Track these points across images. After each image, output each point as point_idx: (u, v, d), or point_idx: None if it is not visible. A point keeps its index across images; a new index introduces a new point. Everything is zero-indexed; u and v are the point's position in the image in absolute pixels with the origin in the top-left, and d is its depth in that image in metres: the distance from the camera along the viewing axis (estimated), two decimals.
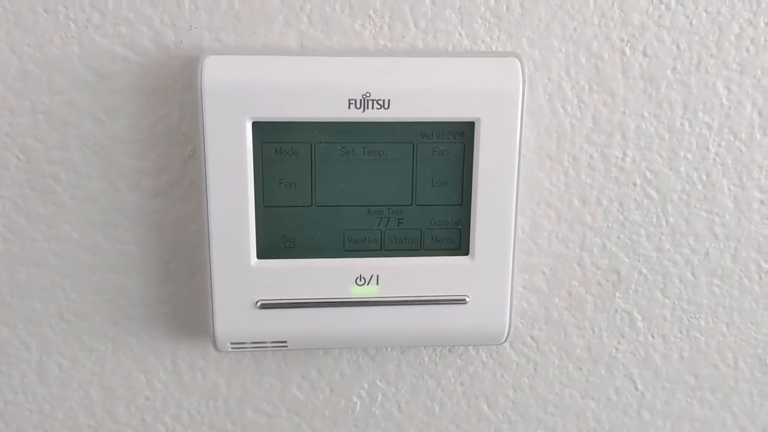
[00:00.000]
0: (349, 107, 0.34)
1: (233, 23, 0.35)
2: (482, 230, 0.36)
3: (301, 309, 0.36)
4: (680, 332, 0.41)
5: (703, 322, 0.41)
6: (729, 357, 0.42)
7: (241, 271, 0.35)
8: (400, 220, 0.36)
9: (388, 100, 0.34)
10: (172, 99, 0.36)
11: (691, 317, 0.41)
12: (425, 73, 0.34)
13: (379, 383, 0.41)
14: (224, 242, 0.35)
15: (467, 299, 0.37)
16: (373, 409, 0.41)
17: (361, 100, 0.34)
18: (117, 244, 0.37)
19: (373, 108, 0.34)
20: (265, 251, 0.35)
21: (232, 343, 0.37)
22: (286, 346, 0.37)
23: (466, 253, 0.36)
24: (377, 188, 0.35)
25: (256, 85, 0.33)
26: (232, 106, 0.33)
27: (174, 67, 0.35)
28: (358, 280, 0.36)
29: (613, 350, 0.42)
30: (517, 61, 0.35)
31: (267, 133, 0.34)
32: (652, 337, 0.41)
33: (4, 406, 0.40)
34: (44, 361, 0.39)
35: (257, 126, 0.34)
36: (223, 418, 0.41)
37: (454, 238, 0.36)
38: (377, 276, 0.36)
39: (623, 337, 0.41)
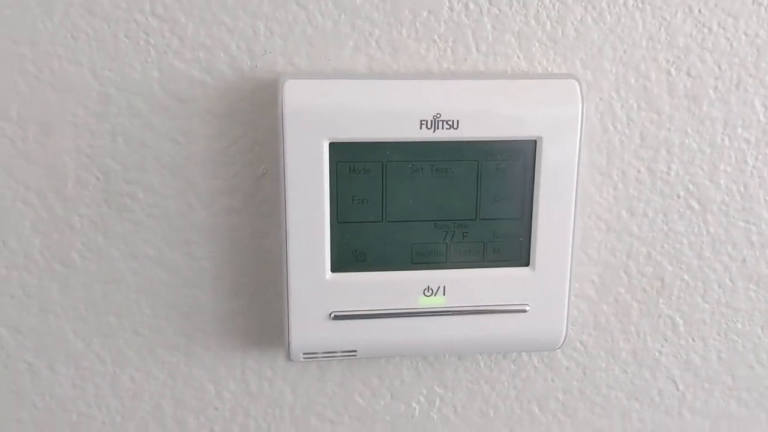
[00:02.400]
0: (421, 128, 0.36)
1: (306, 48, 0.37)
2: (542, 243, 0.38)
3: (371, 320, 0.38)
4: (718, 335, 0.44)
5: (740, 325, 0.44)
6: (764, 358, 0.45)
7: (316, 284, 0.37)
8: (465, 234, 0.38)
9: (458, 121, 0.36)
10: (246, 121, 0.37)
11: (729, 321, 0.44)
12: (491, 95, 0.36)
13: (437, 389, 0.43)
14: (301, 256, 0.37)
15: (528, 308, 0.39)
16: (432, 413, 0.43)
17: (432, 120, 0.36)
18: (191, 260, 0.39)
19: (443, 128, 0.36)
20: (339, 265, 0.37)
21: (304, 354, 0.38)
22: (355, 355, 0.39)
23: (526, 264, 0.39)
24: (444, 204, 0.37)
25: (333, 107, 0.35)
26: (310, 127, 0.35)
27: (249, 90, 0.37)
28: (426, 291, 0.38)
29: (657, 353, 0.44)
30: (576, 83, 0.37)
31: (342, 153, 0.36)
32: (693, 340, 0.44)
33: (78, 419, 0.41)
34: (118, 374, 0.40)
35: (333, 146, 0.36)
36: (288, 425, 0.42)
37: (516, 251, 0.38)
38: (444, 287, 0.38)
39: (666, 341, 0.44)
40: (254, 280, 0.40)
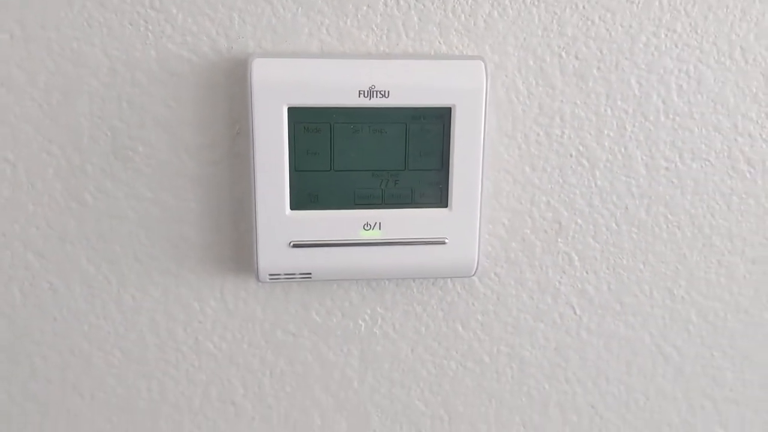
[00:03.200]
0: (359, 96, 0.46)
1: (271, 34, 0.47)
2: (457, 188, 0.48)
3: (322, 248, 0.48)
4: (607, 269, 0.54)
5: (625, 261, 0.54)
6: (645, 288, 0.55)
7: (278, 218, 0.47)
8: (397, 181, 0.48)
9: (389, 91, 0.46)
10: (224, 91, 0.48)
11: (615, 258, 0.54)
12: (415, 71, 0.46)
13: (378, 309, 0.53)
14: (266, 197, 0.47)
15: (446, 241, 0.49)
16: (374, 330, 0.53)
17: (368, 91, 0.46)
18: (181, 201, 0.49)
19: (376, 97, 0.46)
20: (296, 204, 0.48)
21: (270, 275, 0.49)
22: (310, 278, 0.49)
23: (445, 206, 0.49)
24: (379, 157, 0.48)
25: (291, 80, 0.45)
26: (273, 95, 0.45)
27: (226, 67, 0.47)
28: (365, 226, 0.48)
29: (557, 283, 0.54)
30: (482, 62, 0.47)
31: (298, 116, 0.46)
32: (586, 273, 0.54)
33: (89, 329, 0.51)
34: (121, 293, 0.51)
35: (291, 111, 0.46)
36: (258, 337, 0.53)
37: (437, 195, 0.49)
38: (379, 223, 0.48)
39: (564, 273, 0.54)
40: (230, 217, 0.50)
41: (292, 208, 0.48)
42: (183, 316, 0.52)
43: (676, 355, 0.57)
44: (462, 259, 0.50)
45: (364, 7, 0.47)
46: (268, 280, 0.49)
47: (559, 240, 0.53)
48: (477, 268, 0.51)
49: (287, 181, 0.47)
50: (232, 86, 0.48)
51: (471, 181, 0.48)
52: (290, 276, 0.49)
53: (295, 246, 0.48)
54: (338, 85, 0.46)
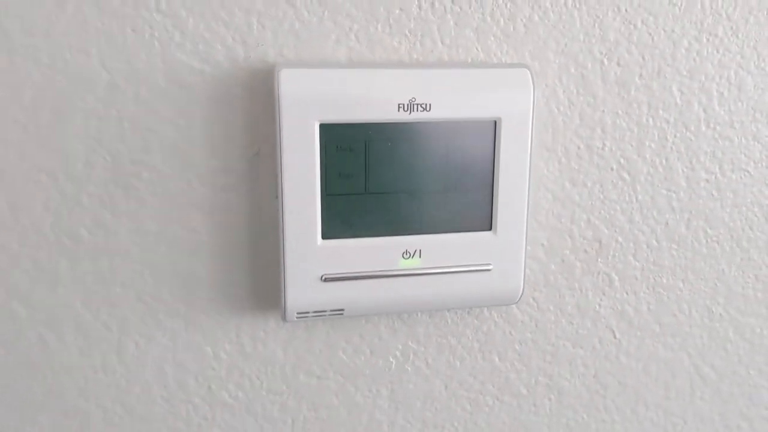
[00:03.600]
0: (399, 110, 0.41)
1: (294, 40, 0.42)
2: (502, 210, 0.44)
3: (357, 281, 0.43)
4: (647, 288, 0.51)
5: (664, 280, 0.51)
6: (684, 307, 0.52)
7: (309, 249, 0.42)
8: (437, 204, 0.43)
9: (430, 104, 0.41)
10: (240, 106, 0.42)
11: (656, 276, 0.51)
12: (458, 81, 0.42)
13: (410, 344, 0.48)
14: (296, 226, 0.41)
15: (491, 267, 0.45)
16: (406, 366, 0.48)
17: (408, 104, 0.41)
18: (191, 234, 0.43)
19: (417, 111, 0.41)
20: (328, 232, 0.42)
21: (298, 313, 0.43)
22: (342, 314, 0.44)
23: (489, 228, 0.44)
24: (419, 177, 0.43)
25: (323, 93, 0.40)
26: (303, 111, 0.40)
27: (243, 78, 0.42)
28: (404, 254, 0.43)
29: (597, 306, 0.51)
30: (528, 71, 0.43)
31: (331, 134, 0.41)
32: (626, 294, 0.51)
33: (86, 384, 0.44)
34: (123, 340, 0.44)
35: (323, 128, 0.41)
36: (279, 382, 0.47)
37: (481, 217, 0.44)
38: (420, 250, 0.43)
39: (604, 295, 0.50)
40: (247, 251, 0.44)
41: (323, 237, 0.42)
42: (194, 363, 0.45)
43: (714, 375, 0.54)
44: (507, 287, 0.46)
45: (397, 11, 0.42)
46: (295, 319, 0.43)
47: (599, 260, 0.50)
48: (522, 296, 0.46)
49: (319, 206, 0.42)
50: (250, 100, 0.42)
51: (517, 200, 0.44)
52: (320, 313, 0.44)
53: (327, 280, 0.43)
54: (376, 99, 0.41)
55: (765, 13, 0.48)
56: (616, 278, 0.50)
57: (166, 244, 0.43)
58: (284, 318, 0.43)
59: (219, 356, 0.46)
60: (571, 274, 0.49)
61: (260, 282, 0.45)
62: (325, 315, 0.44)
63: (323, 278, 0.43)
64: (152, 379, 0.45)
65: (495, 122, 0.43)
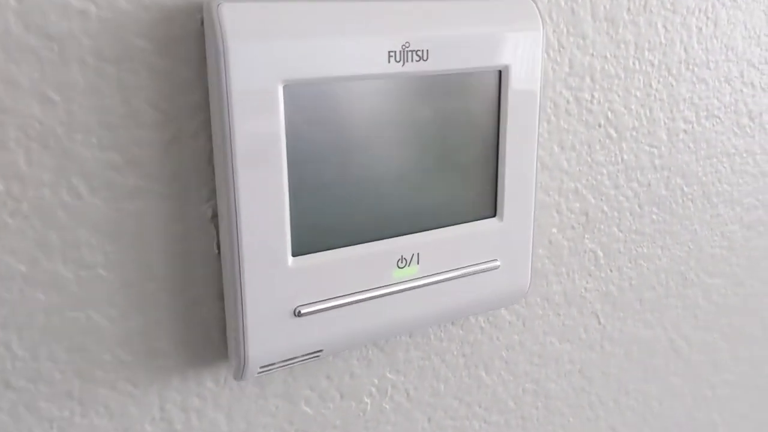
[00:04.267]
0: (389, 60, 0.29)
1: None
2: (510, 189, 0.34)
3: (340, 309, 0.30)
4: (630, 262, 0.44)
5: (645, 249, 0.44)
6: (662, 278, 0.46)
7: (277, 274, 0.28)
8: (437, 188, 0.32)
9: (427, 51, 0.29)
10: (148, 65, 0.27)
11: (637, 246, 0.44)
12: (458, 18, 0.30)
13: (388, 375, 0.36)
14: (257, 242, 0.28)
15: (498, 263, 0.34)
16: (384, 404, 0.37)
17: (401, 51, 0.29)
18: (81, 270, 0.27)
19: (412, 60, 0.29)
20: (300, 246, 0.29)
21: (261, 367, 0.29)
22: (319, 356, 0.31)
23: (494, 214, 0.34)
24: (414, 154, 0.31)
25: (286, 39, 0.26)
26: (262, 67, 0.26)
27: (150, 21, 0.26)
28: (399, 262, 0.31)
29: (583, 290, 0.42)
30: (533, 3, 0.33)
31: (298, 99, 0.27)
32: (611, 270, 0.43)
33: None
34: None
35: (288, 90, 0.27)
36: None
37: (486, 200, 0.33)
38: (417, 254, 0.32)
39: (590, 275, 0.42)
40: (168, 284, 0.29)
41: (294, 254, 0.29)
42: None
43: (686, 347, 0.49)
44: (515, 283, 0.35)
45: None
46: (255, 376, 0.30)
47: (586, 236, 0.41)
48: (528, 290, 0.37)
49: (288, 210, 0.28)
50: (161, 56, 0.27)
51: (525, 175, 0.34)
52: (289, 361, 0.30)
53: (303, 313, 0.29)
54: (361, 45, 0.28)
55: None
56: (601, 255, 0.42)
57: (42, 289, 0.27)
58: (240, 376, 0.29)
59: None
60: (558, 257, 0.41)
61: (191, 327, 0.30)
62: (295, 362, 0.30)
63: (297, 312, 0.29)
64: None
65: (500, 72, 0.32)
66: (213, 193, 0.29)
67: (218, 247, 0.30)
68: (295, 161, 0.28)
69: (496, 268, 0.34)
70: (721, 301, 0.50)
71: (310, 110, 0.28)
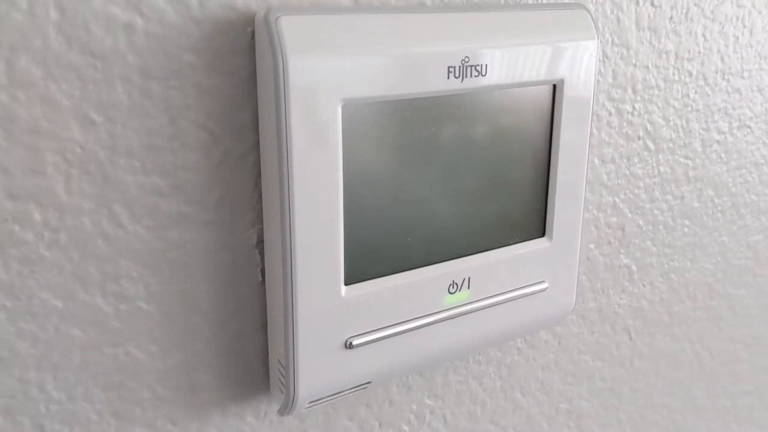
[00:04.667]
0: (449, 77, 0.27)
1: None
2: (559, 208, 0.32)
3: (391, 339, 0.29)
4: (661, 276, 0.43)
5: (675, 263, 0.43)
6: (691, 290, 0.45)
7: (329, 304, 0.26)
8: (486, 209, 0.30)
9: (486, 65, 0.28)
10: (195, 83, 0.25)
11: (669, 260, 0.43)
12: (515, 29, 0.29)
13: (427, 401, 0.35)
14: (311, 271, 0.26)
15: (546, 284, 0.33)
16: (422, 430, 0.35)
17: (460, 66, 0.27)
18: (121, 303, 0.25)
19: (471, 75, 0.27)
20: (353, 274, 0.27)
21: (311, 402, 0.28)
22: (367, 387, 0.29)
23: (543, 234, 0.32)
24: (465, 175, 0.29)
25: (345, 56, 0.24)
26: (321, 85, 0.24)
27: (198, 36, 0.24)
28: (450, 287, 0.30)
29: (616, 306, 0.41)
30: (587, 13, 0.31)
31: (357, 118, 0.25)
32: (643, 285, 0.42)
33: None
34: None
35: (347, 110, 0.25)
36: None
37: (535, 221, 0.32)
38: (468, 279, 0.30)
39: (623, 291, 0.41)
40: (210, 315, 0.27)
41: (347, 283, 0.27)
42: None
43: (709, 358, 0.48)
44: (561, 304, 0.34)
45: None
46: (303, 410, 0.28)
47: (621, 251, 0.40)
48: (573, 310, 0.35)
49: (342, 238, 0.26)
50: (208, 73, 0.25)
51: (575, 192, 0.33)
52: (338, 394, 0.28)
53: (355, 345, 0.28)
54: (421, 61, 0.26)
55: None
56: (635, 269, 0.41)
57: (79, 326, 0.25)
58: (288, 411, 0.28)
59: None
60: (594, 273, 0.39)
61: (233, 362, 0.28)
62: (343, 395, 0.29)
63: (348, 344, 0.27)
64: None
65: (554, 86, 0.30)
66: (259, 218, 0.27)
67: (263, 275, 0.28)
68: (351, 184, 0.26)
69: (544, 290, 0.33)
70: (744, 312, 0.49)
71: (367, 131, 0.26)
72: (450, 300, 0.30)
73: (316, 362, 0.27)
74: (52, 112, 0.23)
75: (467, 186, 0.29)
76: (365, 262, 0.27)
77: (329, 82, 0.24)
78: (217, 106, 0.25)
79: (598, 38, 0.31)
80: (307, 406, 0.28)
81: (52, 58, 0.22)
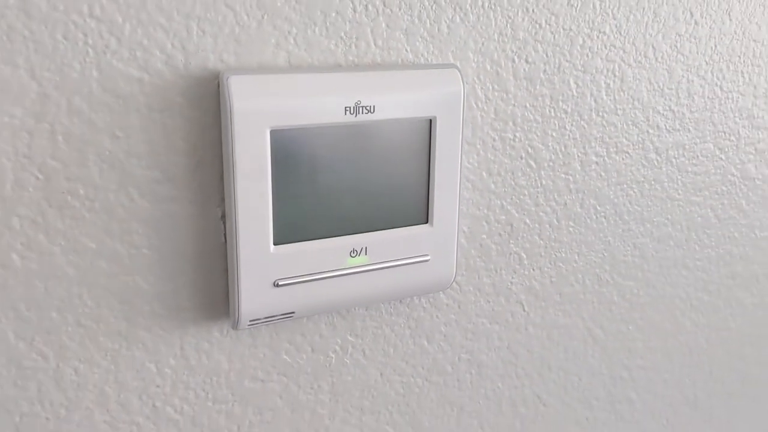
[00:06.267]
0: (345, 113, 0.42)
1: (234, 46, 0.40)
2: (438, 204, 0.46)
3: (308, 284, 0.43)
4: (550, 264, 0.56)
5: (563, 254, 0.56)
6: (579, 277, 0.58)
7: (262, 256, 0.42)
8: (381, 201, 0.45)
9: (374, 106, 0.42)
10: (181, 114, 0.40)
11: (556, 252, 0.56)
12: (398, 83, 0.43)
13: (349, 337, 0.49)
14: (249, 234, 0.41)
15: (428, 258, 0.47)
16: (345, 359, 0.50)
17: (354, 107, 0.42)
18: (131, 248, 0.41)
19: (362, 113, 0.42)
20: (280, 238, 0.42)
21: (250, 321, 0.43)
22: (292, 317, 0.44)
23: (426, 221, 0.47)
24: (364, 177, 0.44)
25: (273, 99, 0.40)
26: (255, 118, 0.39)
27: (183, 86, 0.40)
28: (352, 252, 0.44)
29: (509, 284, 0.55)
30: (457, 71, 0.45)
31: (282, 139, 0.41)
32: (533, 269, 0.55)
33: (21, 419, 0.41)
34: (61, 368, 0.41)
35: (274, 133, 0.40)
36: (224, 391, 0.46)
37: (420, 212, 0.46)
38: (366, 248, 0.45)
39: (515, 272, 0.55)
40: (191, 262, 0.43)
41: (275, 243, 0.42)
42: (137, 382, 0.43)
43: (602, 335, 0.61)
44: (442, 274, 0.48)
45: (333, 14, 0.43)
46: (246, 327, 0.43)
47: (511, 242, 0.54)
48: (454, 279, 0.49)
49: (271, 213, 0.41)
50: (191, 108, 0.40)
51: (450, 193, 0.47)
52: (271, 318, 0.43)
53: (280, 285, 0.43)
54: (324, 103, 0.41)
55: (642, 11, 0.53)
56: (525, 257, 0.55)
57: (106, 261, 0.40)
58: (236, 326, 0.43)
59: (163, 372, 0.44)
60: (488, 256, 0.53)
61: (205, 292, 0.44)
62: (275, 319, 0.44)
63: (276, 284, 0.42)
64: (93, 405, 0.42)
65: (430, 120, 0.45)
66: (222, 201, 0.42)
67: (225, 237, 0.43)
68: (277, 180, 0.41)
69: (426, 261, 0.47)
70: (634, 300, 0.61)
71: (289, 147, 0.41)
72: (352, 261, 0.44)
73: (253, 294, 0.42)
74: (93, 130, 0.38)
75: (367, 184, 0.44)
76: (288, 230, 0.42)
77: (260, 116, 0.39)
78: (197, 129, 0.41)
79: (463, 87, 0.45)
80: (249, 323, 0.43)
81: (94, 99, 0.38)
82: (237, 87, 0.39)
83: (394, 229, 0.46)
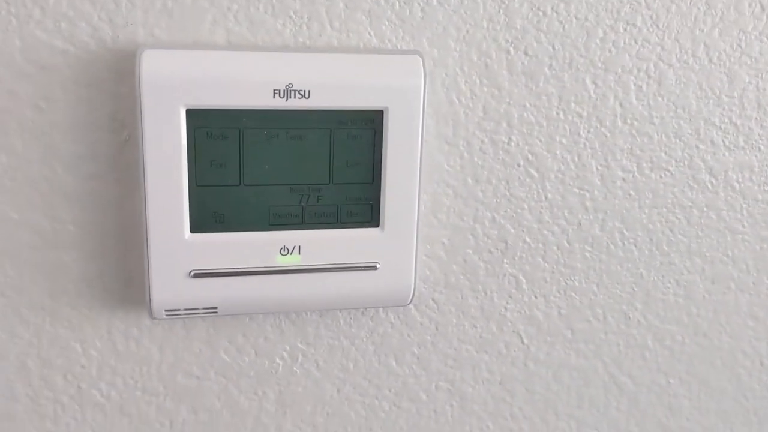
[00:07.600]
0: (274, 96, 0.38)
1: (166, 20, 0.39)
2: (390, 205, 0.41)
3: (230, 278, 0.40)
4: (558, 292, 0.48)
5: (576, 283, 0.48)
6: (599, 312, 0.49)
7: (175, 244, 0.39)
8: (319, 197, 0.41)
9: (309, 91, 0.38)
10: (107, 90, 0.39)
11: (567, 279, 0.48)
12: (341, 68, 0.39)
13: (299, 345, 0.46)
14: (160, 218, 0.39)
15: (378, 265, 0.42)
16: (294, 368, 0.46)
17: (284, 90, 0.38)
18: (56, 223, 0.40)
19: (295, 97, 0.38)
20: (197, 226, 0.39)
21: (166, 311, 0.40)
22: (216, 312, 0.41)
23: (377, 225, 0.42)
24: (299, 169, 0.40)
25: (189, 76, 0.37)
26: (167, 95, 0.37)
27: (110, 60, 0.39)
28: (282, 250, 0.41)
29: (503, 309, 0.48)
30: (419, 58, 0.40)
31: (199, 120, 0.38)
32: (535, 297, 0.48)
33: None
34: None
35: (191, 113, 0.38)
36: (155, 383, 0.44)
37: (367, 213, 0.41)
38: (299, 247, 0.41)
39: (511, 298, 0.48)
40: (118, 241, 0.41)
41: (192, 231, 0.40)
42: (61, 360, 0.43)
43: (631, 384, 0.52)
44: (396, 286, 0.43)
45: None
46: (164, 317, 0.41)
47: (505, 261, 0.47)
48: (413, 296, 0.44)
49: (186, 198, 0.39)
50: (118, 83, 0.39)
51: (406, 195, 0.41)
52: (192, 311, 0.41)
53: (197, 276, 0.40)
54: (249, 83, 0.38)
55: (687, 2, 0.44)
56: (524, 280, 0.48)
57: (28, 233, 0.40)
58: (151, 315, 0.41)
59: (89, 353, 0.43)
60: (474, 275, 0.47)
61: (131, 275, 0.42)
62: (197, 313, 0.41)
63: (192, 274, 0.40)
64: (15, 377, 0.42)
65: (382, 112, 0.40)
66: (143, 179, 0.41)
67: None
68: (196, 163, 0.38)
69: (374, 269, 0.42)
70: (677, 349, 0.51)
71: (210, 129, 0.38)
72: (282, 260, 0.41)
73: (165, 282, 0.40)
74: (14, 99, 0.38)
75: (300, 179, 0.40)
76: (209, 218, 0.39)
77: (174, 93, 0.37)
78: (125, 106, 0.39)
79: (425, 77, 0.40)
80: (166, 314, 0.41)
81: (15, 68, 0.38)
82: (149, 61, 0.37)
83: (335, 229, 0.41)
